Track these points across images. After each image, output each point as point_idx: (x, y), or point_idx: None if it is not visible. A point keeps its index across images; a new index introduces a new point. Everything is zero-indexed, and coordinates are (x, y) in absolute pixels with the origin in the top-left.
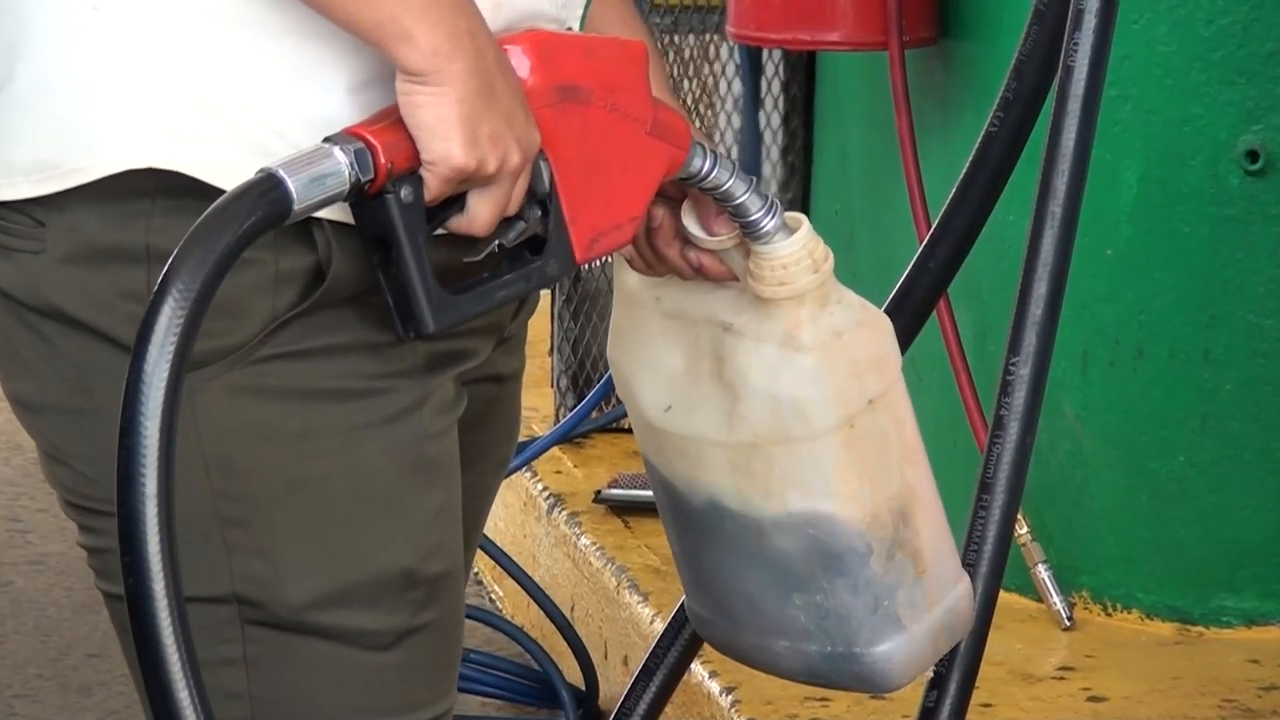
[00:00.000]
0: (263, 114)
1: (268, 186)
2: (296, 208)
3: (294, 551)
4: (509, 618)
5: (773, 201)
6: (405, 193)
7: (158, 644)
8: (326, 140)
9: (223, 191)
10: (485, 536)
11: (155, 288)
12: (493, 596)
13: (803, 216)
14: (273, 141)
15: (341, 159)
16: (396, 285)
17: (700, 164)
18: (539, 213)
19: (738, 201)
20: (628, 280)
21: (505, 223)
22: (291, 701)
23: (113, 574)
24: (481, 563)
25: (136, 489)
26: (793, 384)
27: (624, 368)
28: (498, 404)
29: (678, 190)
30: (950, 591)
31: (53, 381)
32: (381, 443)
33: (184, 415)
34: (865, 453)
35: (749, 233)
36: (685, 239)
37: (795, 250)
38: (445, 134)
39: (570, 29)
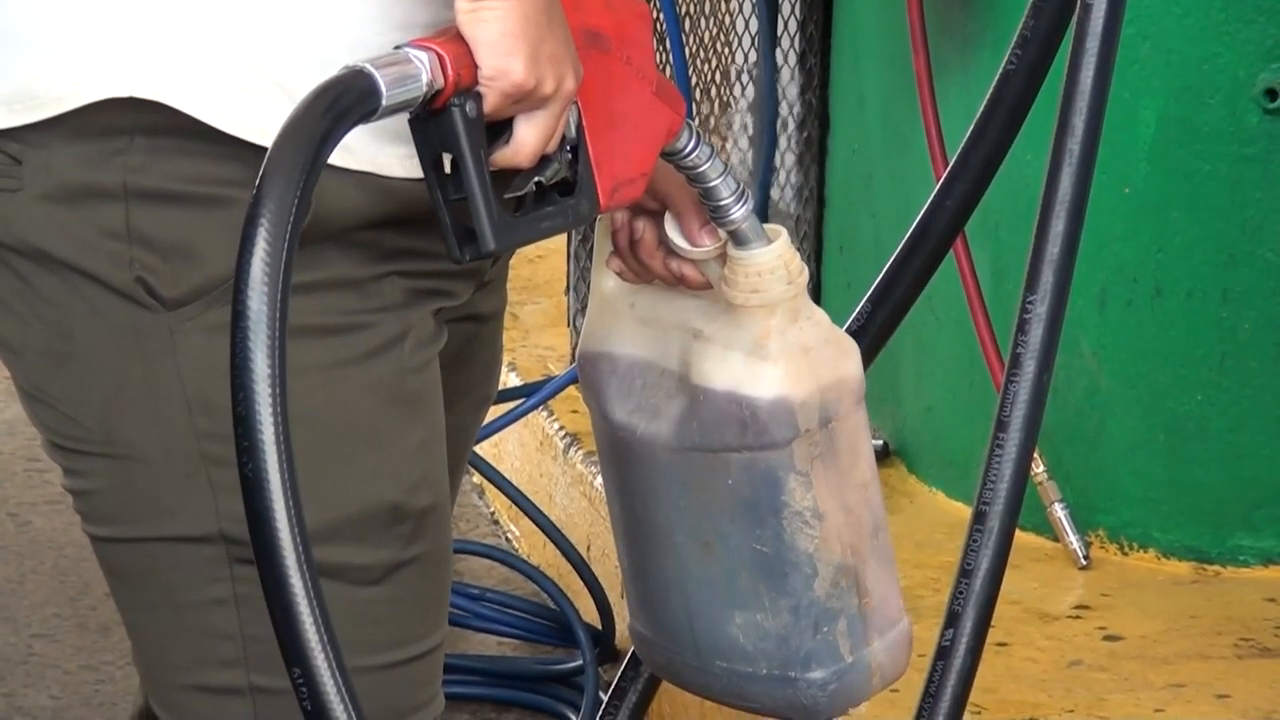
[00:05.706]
0: (255, 54)
1: (361, 80)
2: (384, 104)
3: None
4: (525, 557)
5: (744, 191)
6: (469, 108)
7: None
8: (397, 48)
9: (206, 126)
10: (502, 476)
11: (259, 177)
12: (509, 536)
13: (782, 229)
14: (265, 83)
15: (420, 63)
16: (456, 205)
17: (687, 139)
18: (569, 156)
19: (710, 184)
20: (605, 284)
21: (543, 160)
22: None
23: (99, 516)
24: (498, 502)
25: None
26: (754, 392)
27: (592, 370)
28: (477, 342)
29: (659, 203)
30: (891, 629)
31: (33, 323)
32: (363, 377)
33: (164, 355)
34: (821, 473)
35: (717, 218)
36: (669, 249)
37: (770, 259)
38: (509, 48)
39: None
